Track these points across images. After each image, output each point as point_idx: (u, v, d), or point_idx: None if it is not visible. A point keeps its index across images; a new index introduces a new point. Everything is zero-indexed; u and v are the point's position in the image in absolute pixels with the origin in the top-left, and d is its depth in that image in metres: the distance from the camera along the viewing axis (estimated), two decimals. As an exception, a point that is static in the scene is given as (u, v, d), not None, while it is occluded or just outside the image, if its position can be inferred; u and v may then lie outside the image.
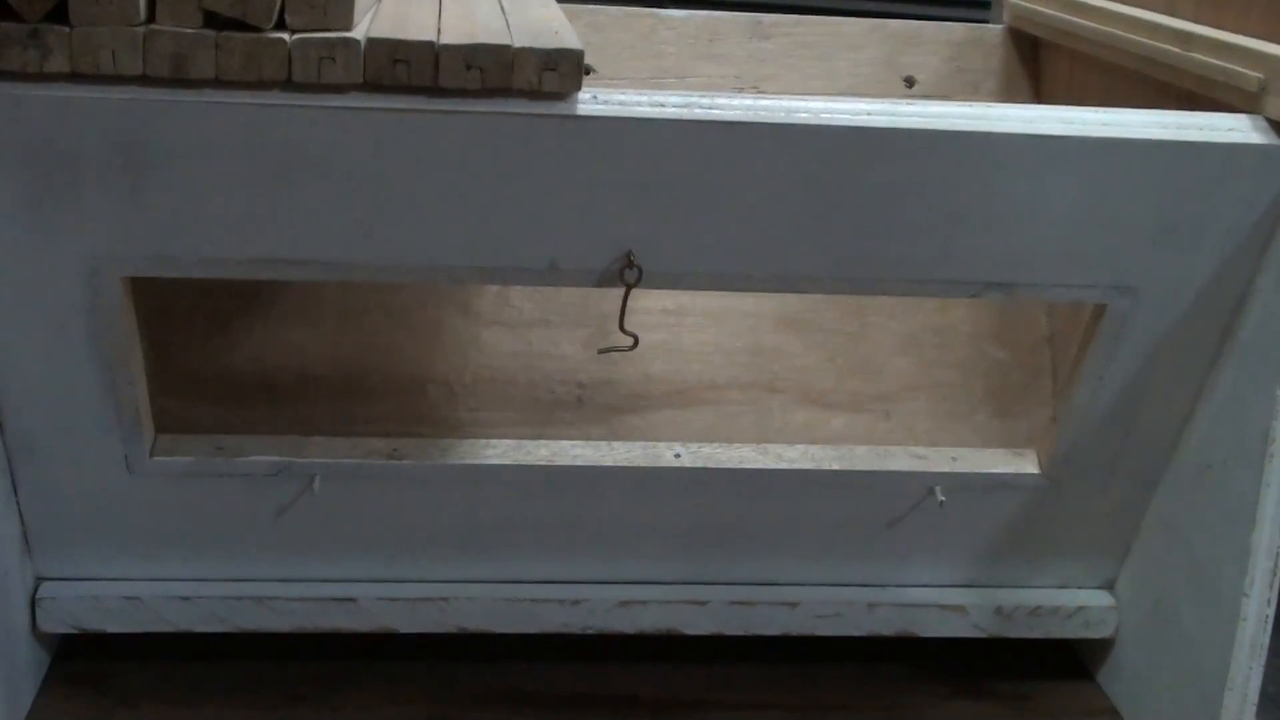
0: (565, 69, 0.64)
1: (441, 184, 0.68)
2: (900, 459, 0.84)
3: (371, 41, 0.63)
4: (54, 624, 0.82)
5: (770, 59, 1.01)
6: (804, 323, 0.97)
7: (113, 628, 0.83)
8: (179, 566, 0.83)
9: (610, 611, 0.86)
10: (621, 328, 0.75)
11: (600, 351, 0.79)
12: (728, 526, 0.85)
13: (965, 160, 0.69)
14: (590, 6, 0.99)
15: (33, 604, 0.82)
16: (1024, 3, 1.02)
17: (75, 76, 0.62)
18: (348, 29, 0.63)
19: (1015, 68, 1.05)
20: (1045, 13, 0.99)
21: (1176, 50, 0.80)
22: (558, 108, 0.66)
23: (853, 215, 0.71)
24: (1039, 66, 1.04)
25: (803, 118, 0.68)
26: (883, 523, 0.86)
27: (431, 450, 0.82)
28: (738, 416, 0.96)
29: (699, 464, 0.83)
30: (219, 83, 0.63)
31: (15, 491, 0.78)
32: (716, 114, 0.68)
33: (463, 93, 0.65)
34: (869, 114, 0.69)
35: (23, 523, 0.80)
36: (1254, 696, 0.77)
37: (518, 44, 0.64)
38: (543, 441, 0.83)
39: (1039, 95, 1.04)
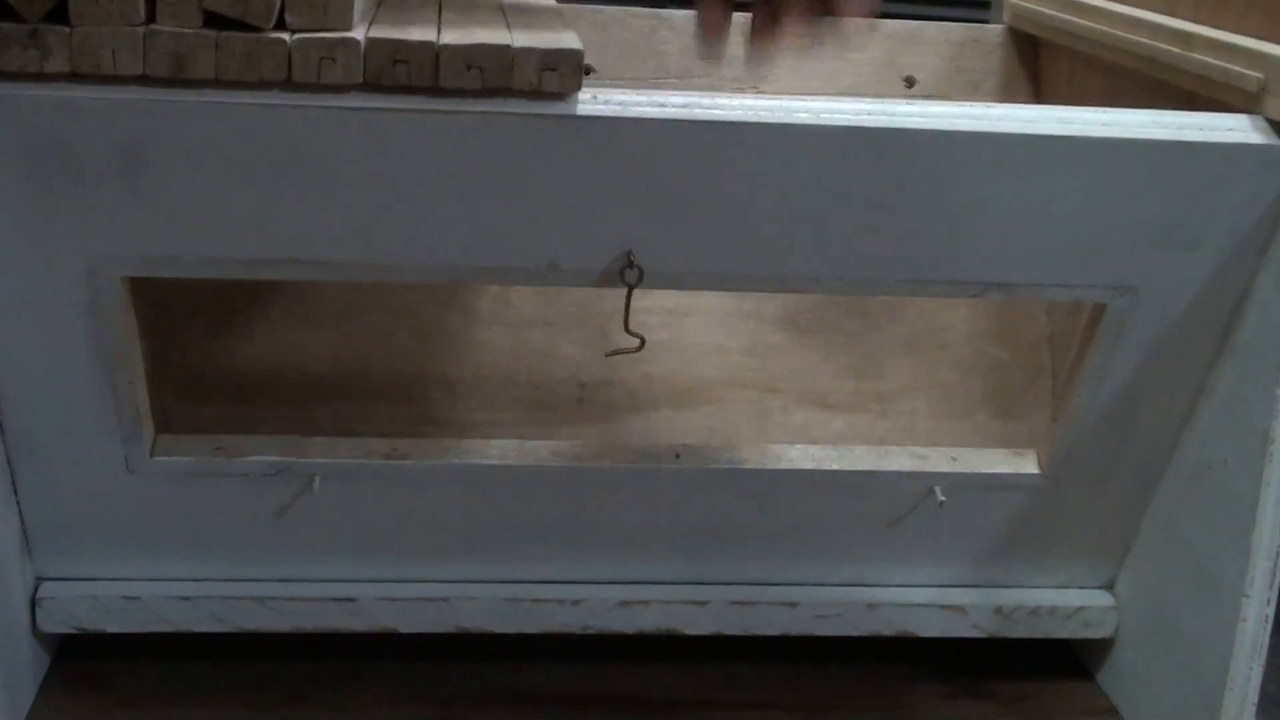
0: (565, 69, 0.64)
1: (441, 184, 0.68)
2: (900, 459, 0.84)
3: (371, 41, 0.63)
4: (54, 624, 0.82)
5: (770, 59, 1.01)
6: (804, 323, 0.97)
7: (113, 628, 0.83)
8: (179, 566, 0.83)
9: (610, 611, 0.86)
10: (627, 329, 0.74)
11: (608, 355, 0.79)
12: (728, 526, 0.85)
13: (965, 160, 0.69)
14: (591, 6, 0.99)
15: (33, 604, 0.82)
16: (1024, 3, 1.02)
17: (75, 76, 0.62)
18: (348, 29, 0.63)
19: (1015, 68, 1.05)
20: (1045, 13, 0.99)
21: (1176, 50, 0.80)
22: (558, 108, 0.66)
23: (853, 215, 0.71)
24: (1039, 66, 1.04)
25: (803, 118, 0.68)
26: (883, 523, 0.86)
27: (431, 450, 0.82)
28: (738, 416, 0.96)
29: (699, 464, 0.83)
30: (219, 83, 0.63)
31: (15, 491, 0.78)
32: (716, 114, 0.68)
33: (463, 93, 0.65)
34: (869, 114, 0.69)
35: (23, 523, 0.80)
36: (1254, 696, 0.77)
37: (517, 44, 0.64)
38: (543, 441, 0.83)
39: (1039, 95, 1.04)
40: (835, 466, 0.83)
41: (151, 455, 0.78)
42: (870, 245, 0.72)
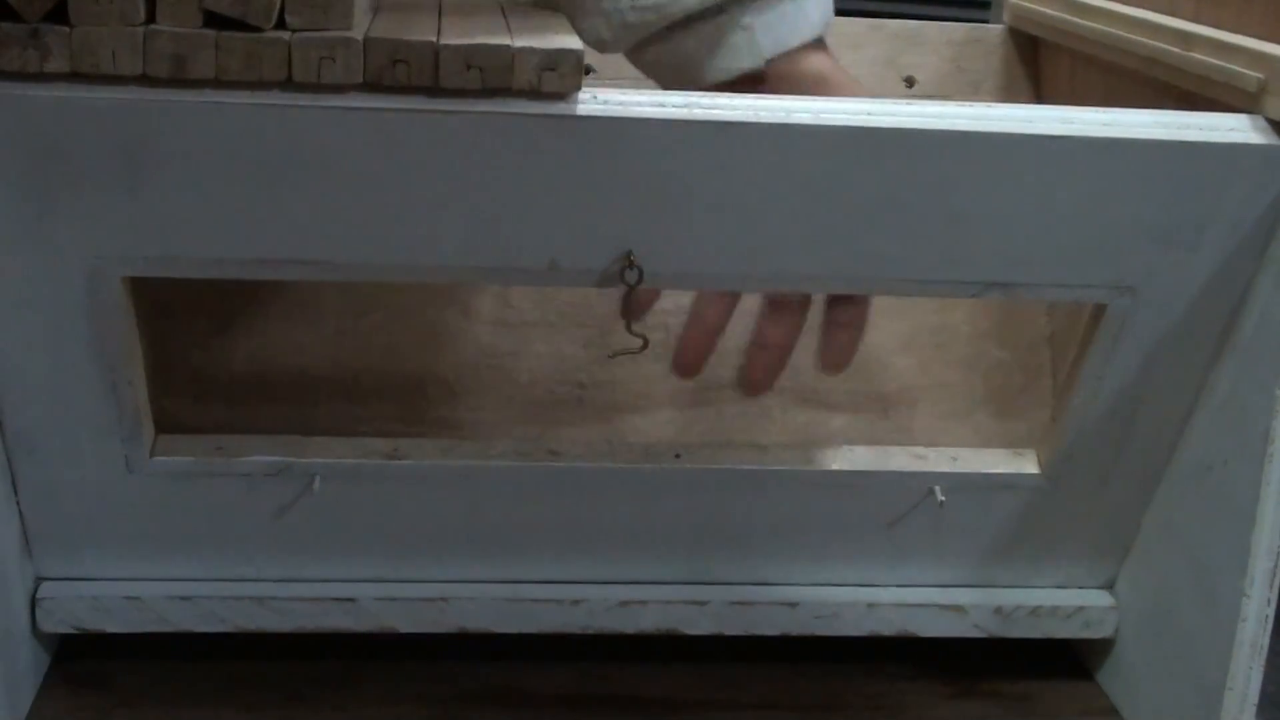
0: (565, 69, 0.64)
1: (441, 184, 0.68)
2: (900, 459, 0.84)
3: (371, 41, 0.63)
4: (54, 624, 0.82)
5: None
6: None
7: (113, 628, 0.83)
8: (179, 566, 0.83)
9: (610, 611, 0.86)
10: (629, 329, 0.75)
11: (611, 355, 0.79)
12: (728, 526, 0.85)
13: (965, 160, 0.69)
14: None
15: (33, 604, 0.82)
16: (1024, 3, 1.02)
17: (75, 76, 0.62)
18: (348, 29, 0.63)
19: (1015, 68, 1.05)
20: (1045, 13, 0.99)
21: (1176, 50, 0.80)
22: (557, 108, 0.66)
23: (853, 215, 0.71)
24: (1039, 66, 1.04)
25: (802, 118, 0.68)
26: (883, 523, 0.86)
27: (431, 450, 0.82)
28: (738, 416, 0.96)
29: (699, 464, 0.83)
30: (219, 83, 0.63)
31: (15, 491, 0.78)
32: (716, 114, 0.67)
33: (462, 93, 0.65)
34: (869, 114, 0.69)
35: (23, 523, 0.80)
36: (1254, 696, 0.77)
37: (517, 44, 0.64)
38: (543, 441, 0.83)
39: (1039, 95, 1.04)
40: (835, 466, 0.83)
41: (151, 455, 0.78)
42: (870, 245, 0.72)
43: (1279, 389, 0.74)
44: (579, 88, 0.66)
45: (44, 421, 0.76)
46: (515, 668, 0.88)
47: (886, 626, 0.88)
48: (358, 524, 0.83)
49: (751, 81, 0.73)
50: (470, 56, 0.64)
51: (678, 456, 0.83)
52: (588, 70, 0.93)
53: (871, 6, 1.83)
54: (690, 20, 0.73)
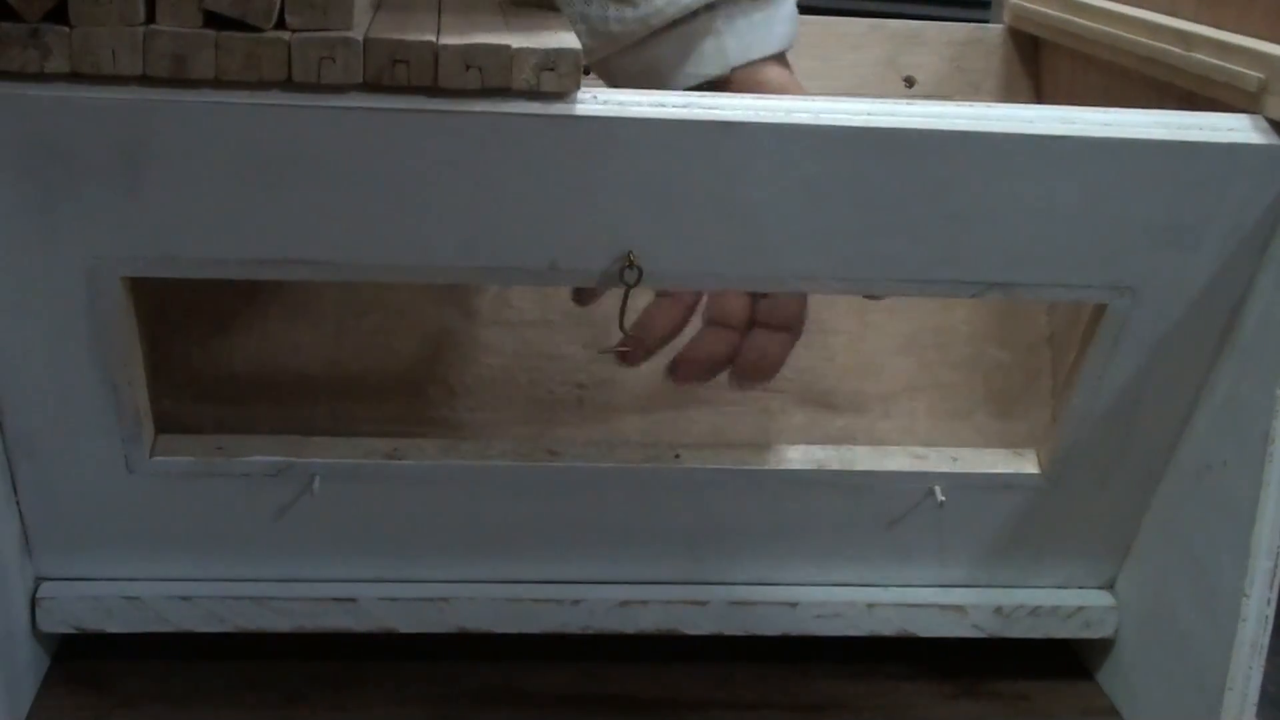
0: (564, 69, 0.64)
1: (441, 184, 0.68)
2: (900, 459, 0.84)
3: (371, 41, 0.63)
4: (54, 624, 0.82)
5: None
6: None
7: (113, 628, 0.83)
8: (179, 566, 0.83)
9: (610, 611, 0.86)
10: (622, 328, 0.75)
11: (600, 352, 0.79)
12: (728, 526, 0.85)
13: (965, 160, 0.69)
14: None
15: (33, 604, 0.82)
16: (1024, 3, 1.02)
17: (75, 76, 0.62)
18: (348, 29, 0.63)
19: (1015, 68, 1.05)
20: (1045, 13, 0.99)
21: (1177, 50, 0.80)
22: (557, 108, 0.66)
23: (853, 215, 0.71)
24: (1039, 66, 1.04)
25: (802, 118, 0.68)
26: (883, 523, 0.86)
27: (431, 450, 0.82)
28: (738, 416, 0.96)
29: (699, 464, 0.83)
30: (219, 83, 0.63)
31: (15, 491, 0.78)
32: (716, 114, 0.67)
33: (462, 93, 0.65)
34: (869, 114, 0.69)
35: (23, 523, 0.80)
36: (1254, 696, 0.77)
37: (516, 44, 0.64)
38: (543, 441, 0.83)
39: (1039, 95, 1.04)
40: (835, 466, 0.83)
41: (151, 455, 0.78)
42: (870, 245, 0.72)
43: (1279, 389, 0.74)
44: (578, 87, 0.66)
45: (44, 422, 0.76)
46: (515, 668, 0.88)
47: (886, 626, 0.88)
48: (358, 524, 0.83)
49: (713, 87, 0.74)
50: (469, 56, 0.64)
51: (677, 456, 0.83)
52: (587, 70, 0.93)
53: (871, 6, 1.83)
54: (666, 27, 0.73)
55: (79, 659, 0.86)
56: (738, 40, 0.73)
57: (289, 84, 0.63)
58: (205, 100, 0.63)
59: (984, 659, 0.91)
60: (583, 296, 0.76)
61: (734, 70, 0.74)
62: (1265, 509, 0.75)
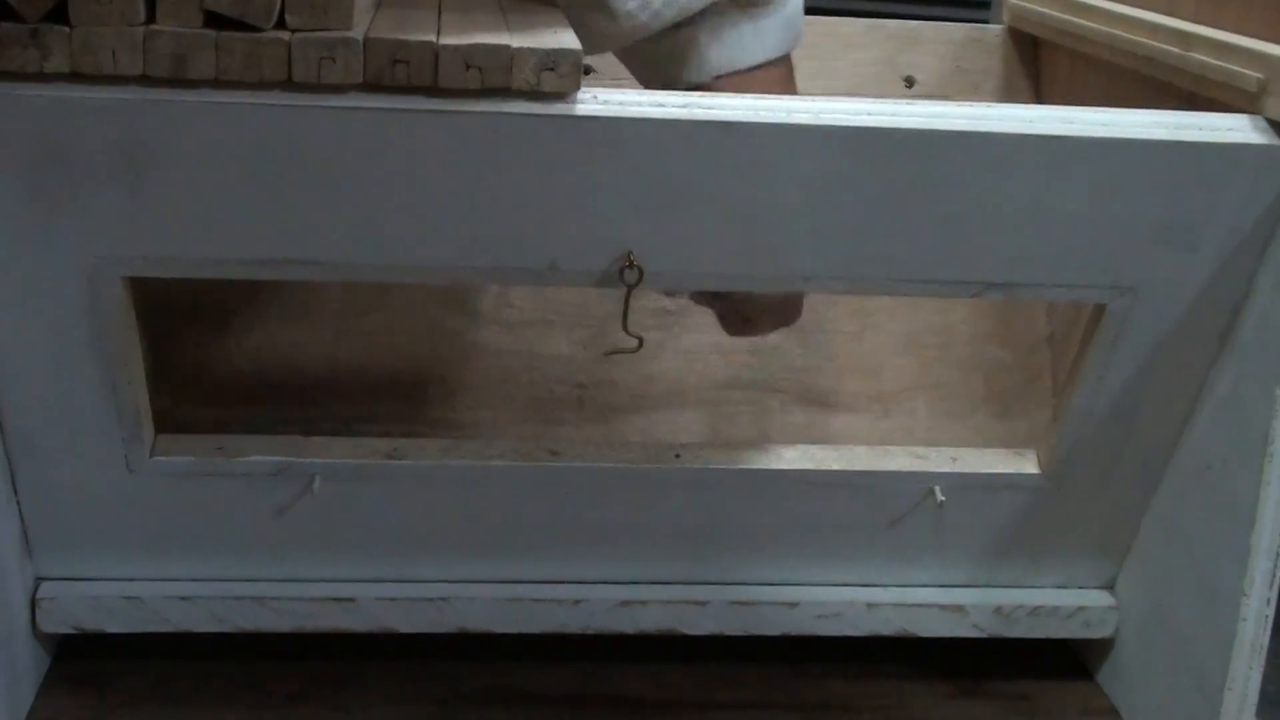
0: (564, 69, 0.64)
1: (441, 184, 0.68)
2: (900, 459, 0.84)
3: (371, 41, 0.63)
4: (54, 624, 0.82)
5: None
6: (804, 323, 0.97)
7: (113, 628, 0.83)
8: (179, 566, 0.83)
9: (610, 611, 0.86)
10: (625, 329, 0.75)
11: (606, 354, 0.79)
12: (728, 526, 0.85)
13: (965, 160, 0.69)
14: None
15: (33, 604, 0.82)
16: (1024, 3, 1.02)
17: (75, 76, 0.62)
18: (348, 29, 0.63)
19: (1015, 68, 1.05)
20: (1045, 13, 0.99)
21: (1176, 50, 0.80)
22: (557, 108, 0.66)
23: (853, 215, 0.71)
24: (1039, 66, 1.04)
25: (802, 118, 0.68)
26: (883, 523, 0.86)
27: (431, 450, 0.82)
28: (738, 416, 0.96)
29: (699, 464, 0.83)
30: (219, 83, 0.63)
31: (15, 491, 0.78)
32: (716, 114, 0.67)
33: (462, 93, 0.64)
34: (869, 114, 0.69)
35: (23, 523, 0.80)
36: (1254, 696, 0.77)
37: (516, 44, 0.64)
38: (543, 441, 0.83)
39: (1039, 95, 1.04)
40: (835, 466, 0.83)
41: (151, 455, 0.78)
42: (870, 245, 0.72)
43: (1279, 389, 0.74)
44: (578, 87, 0.66)
45: (44, 421, 0.76)
46: (515, 668, 0.88)
47: (886, 626, 0.88)
48: (358, 524, 0.83)
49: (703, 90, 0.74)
50: (470, 56, 0.64)
51: (678, 456, 0.83)
52: (587, 70, 0.93)
53: (871, 6, 1.82)
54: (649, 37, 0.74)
55: (79, 659, 0.86)
56: (722, 50, 0.73)
57: (289, 84, 0.63)
58: (205, 100, 0.63)
59: (984, 659, 0.91)
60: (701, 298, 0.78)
61: (717, 79, 0.74)
62: (1265, 509, 0.75)
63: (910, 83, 1.03)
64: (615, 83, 0.79)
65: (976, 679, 0.90)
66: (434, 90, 0.64)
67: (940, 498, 0.84)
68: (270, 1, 0.61)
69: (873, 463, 0.84)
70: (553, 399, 0.94)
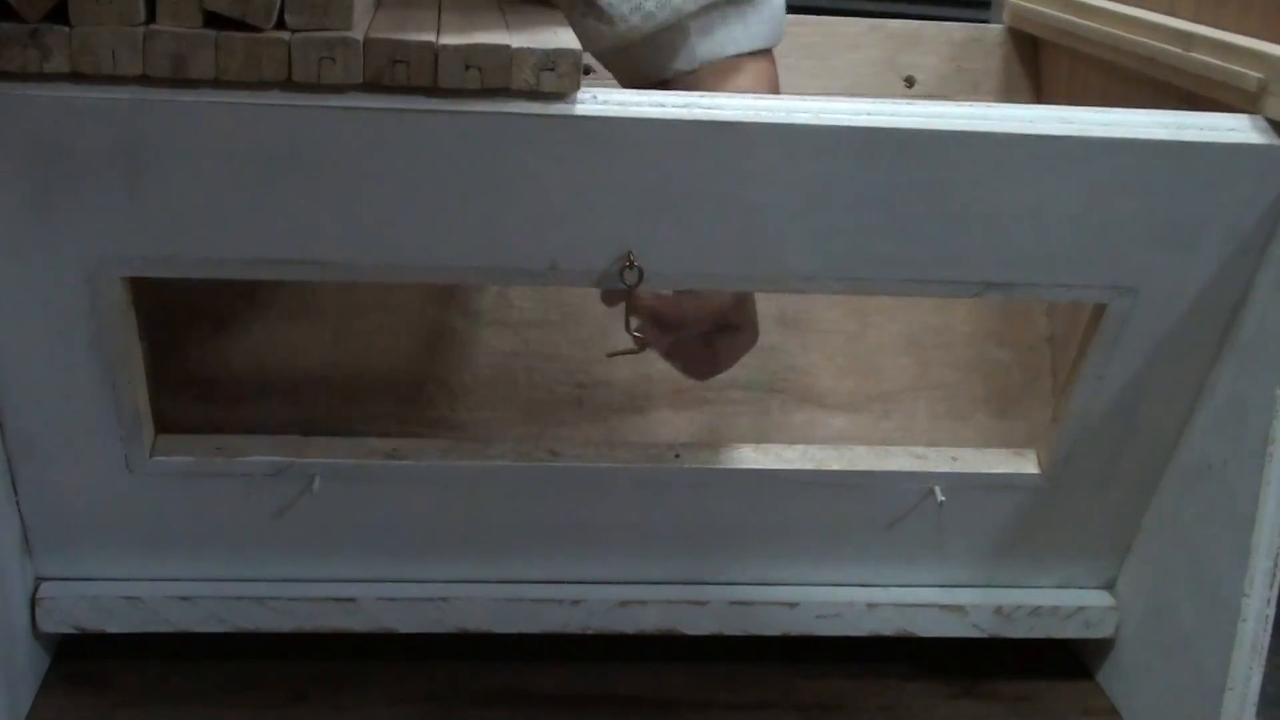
0: (563, 69, 0.64)
1: (441, 184, 0.68)
2: (900, 459, 0.85)
3: (371, 41, 0.63)
4: (54, 624, 0.82)
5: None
6: (804, 323, 0.97)
7: (113, 628, 0.83)
8: (179, 566, 0.83)
9: (610, 611, 0.86)
10: (628, 329, 0.74)
11: (609, 355, 0.79)
12: (728, 526, 0.85)
13: (965, 160, 0.69)
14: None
15: (33, 604, 0.82)
16: (1024, 3, 1.02)
17: (75, 76, 0.62)
18: (348, 29, 0.63)
19: (1015, 68, 1.05)
20: (1045, 13, 0.99)
21: (1176, 50, 0.80)
22: (556, 108, 0.66)
23: (853, 215, 0.71)
24: (1039, 66, 1.04)
25: (802, 118, 0.68)
26: (883, 523, 0.86)
27: (431, 450, 0.82)
28: (738, 416, 0.96)
29: (699, 464, 0.83)
30: (219, 83, 0.63)
31: (15, 491, 0.78)
32: (716, 114, 0.67)
33: (462, 93, 0.64)
34: (869, 114, 0.69)
35: (23, 523, 0.80)
36: (1254, 696, 0.77)
37: (516, 44, 0.64)
38: (543, 441, 0.83)
39: (1039, 95, 1.04)
40: (835, 466, 0.83)
41: (151, 455, 0.78)
42: (870, 245, 0.72)
43: (1279, 389, 0.74)
44: (577, 87, 0.66)
45: (44, 421, 0.76)
46: (515, 668, 0.88)
47: (886, 626, 0.88)
48: (358, 524, 0.83)
49: (686, 80, 0.74)
50: (469, 56, 0.64)
51: (677, 456, 0.83)
52: (587, 70, 0.93)
53: (871, 6, 1.83)
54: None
55: (79, 659, 0.86)
56: (709, 41, 0.74)
57: (289, 84, 0.63)
58: (205, 100, 0.63)
59: (984, 659, 0.91)
60: (610, 296, 0.76)
61: (701, 65, 0.74)
62: (1265, 509, 0.75)
63: (910, 83, 1.03)
64: (615, 82, 0.79)
65: (976, 679, 0.90)
66: (434, 90, 0.64)
67: (940, 498, 0.84)
68: (270, 1, 0.61)
69: (873, 463, 0.84)
70: (553, 399, 0.94)
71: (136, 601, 0.82)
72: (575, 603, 0.85)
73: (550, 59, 0.64)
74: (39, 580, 0.82)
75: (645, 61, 0.75)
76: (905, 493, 0.84)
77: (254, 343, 0.91)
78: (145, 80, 0.63)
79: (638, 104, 0.67)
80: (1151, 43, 0.83)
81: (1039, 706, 0.89)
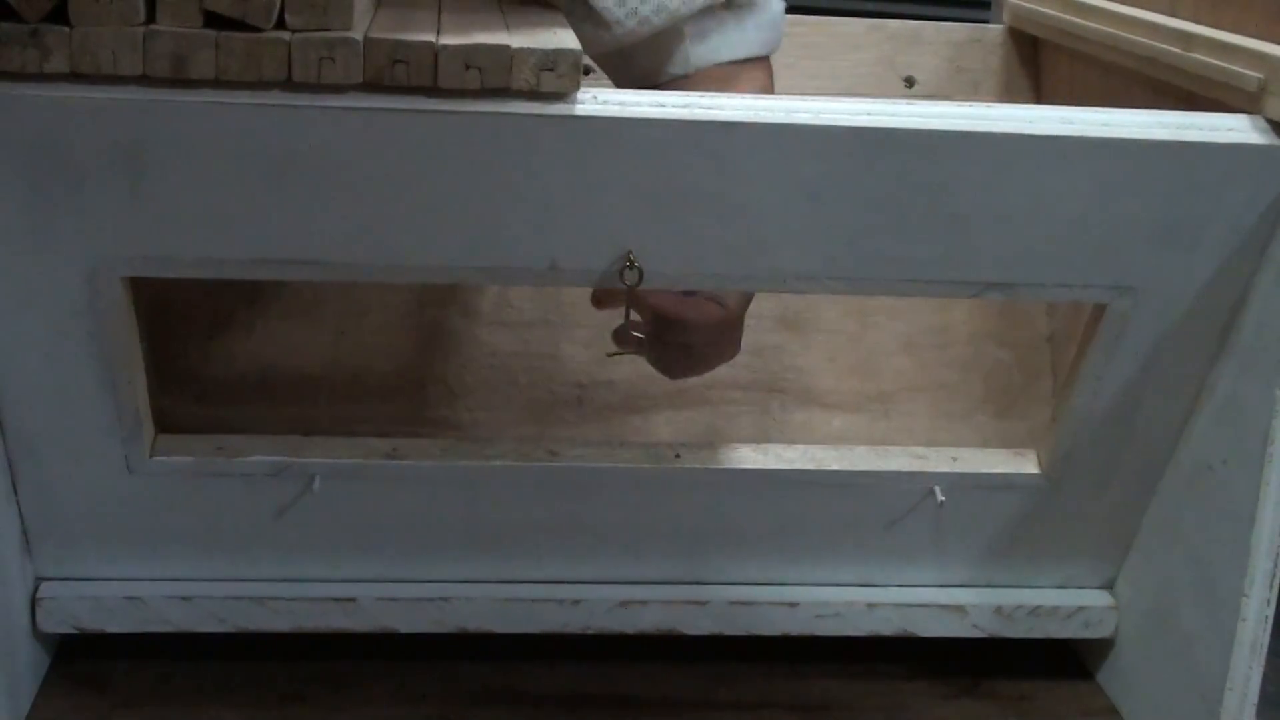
0: (563, 69, 0.64)
1: (441, 184, 0.68)
2: (900, 459, 0.85)
3: (371, 41, 0.63)
4: (54, 624, 0.82)
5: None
6: (804, 323, 0.97)
7: (113, 628, 0.83)
8: (179, 566, 0.83)
9: (610, 611, 0.86)
10: (628, 328, 0.74)
11: (609, 355, 0.79)
12: (728, 526, 0.85)
13: (965, 160, 0.69)
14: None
15: (33, 604, 0.82)
16: (1024, 3, 1.02)
17: (75, 76, 0.62)
18: (348, 29, 0.63)
19: (1015, 68, 1.05)
20: (1045, 13, 0.99)
21: (1176, 50, 0.80)
22: (556, 108, 0.66)
23: (853, 215, 0.71)
24: (1039, 66, 1.04)
25: (803, 118, 0.68)
26: (883, 523, 0.86)
27: (431, 450, 0.82)
28: (738, 416, 0.96)
29: (699, 464, 0.83)
30: (219, 83, 0.63)
31: (15, 491, 0.78)
32: (716, 114, 0.67)
33: (461, 93, 0.64)
34: (869, 114, 0.68)
35: (23, 523, 0.80)
36: (1254, 696, 0.77)
37: (516, 44, 0.64)
38: (543, 441, 0.83)
39: (1039, 95, 1.04)
40: (835, 466, 0.83)
41: (151, 455, 0.78)
42: (870, 245, 0.72)
43: (1279, 389, 0.74)
44: (577, 87, 0.66)
45: (44, 421, 0.76)
46: (515, 668, 0.88)
47: (886, 626, 0.88)
48: (358, 524, 0.83)
49: (680, 81, 0.75)
50: (469, 56, 0.64)
51: (678, 456, 0.83)
52: (587, 70, 0.93)
53: (871, 6, 1.83)
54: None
55: (79, 659, 0.86)
56: (705, 45, 0.74)
57: (289, 84, 0.63)
58: (205, 100, 0.63)
59: (984, 659, 0.91)
60: (601, 299, 0.76)
61: (697, 71, 0.75)
62: (1265, 509, 0.75)
63: (910, 83, 1.03)
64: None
65: (976, 679, 0.90)
66: (433, 90, 0.64)
67: (940, 498, 0.84)
68: (270, 1, 0.61)
69: (873, 463, 0.84)
70: (552, 399, 0.94)
71: (136, 601, 0.82)
72: (575, 603, 0.85)
73: (550, 59, 0.64)
74: (39, 580, 0.82)
75: (641, 65, 0.75)
76: (905, 493, 0.84)
77: (254, 343, 0.91)
78: (145, 80, 0.63)
79: (638, 104, 0.67)
80: (1151, 43, 0.83)
81: (1039, 706, 0.89)
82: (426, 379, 0.93)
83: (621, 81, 0.76)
